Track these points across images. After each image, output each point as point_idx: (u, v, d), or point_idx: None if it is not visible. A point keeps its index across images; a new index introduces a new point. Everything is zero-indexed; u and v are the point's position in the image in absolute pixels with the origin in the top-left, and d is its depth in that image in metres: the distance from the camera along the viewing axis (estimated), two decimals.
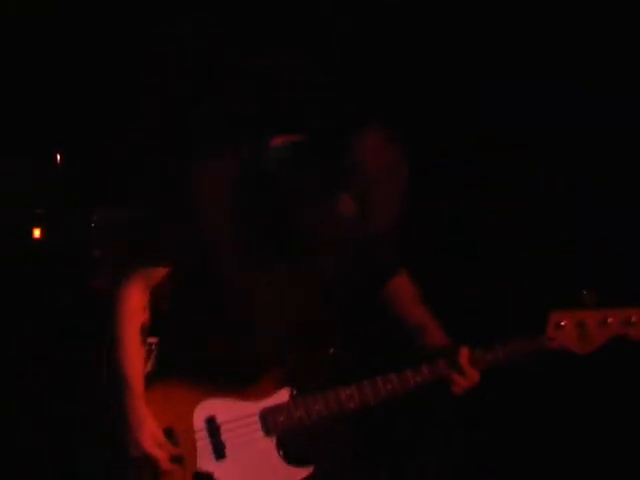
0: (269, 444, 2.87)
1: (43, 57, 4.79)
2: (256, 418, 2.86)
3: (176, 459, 2.80)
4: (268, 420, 2.86)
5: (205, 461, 2.84)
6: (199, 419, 2.85)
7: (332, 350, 2.93)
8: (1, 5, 4.70)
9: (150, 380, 2.86)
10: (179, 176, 2.86)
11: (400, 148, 2.67)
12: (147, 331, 2.87)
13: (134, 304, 2.85)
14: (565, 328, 2.92)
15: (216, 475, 2.83)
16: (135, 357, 2.84)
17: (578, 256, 4.29)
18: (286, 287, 2.87)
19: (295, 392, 2.88)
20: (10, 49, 4.79)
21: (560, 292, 2.99)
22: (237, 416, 2.85)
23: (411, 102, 4.49)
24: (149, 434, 2.77)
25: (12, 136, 4.72)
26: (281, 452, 2.87)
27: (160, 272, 2.87)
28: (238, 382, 2.86)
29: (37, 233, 4.71)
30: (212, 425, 2.84)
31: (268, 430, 2.86)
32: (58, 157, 4.74)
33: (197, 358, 2.89)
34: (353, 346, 3.09)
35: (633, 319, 2.93)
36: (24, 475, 4.43)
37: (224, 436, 2.85)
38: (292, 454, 2.88)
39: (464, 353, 2.87)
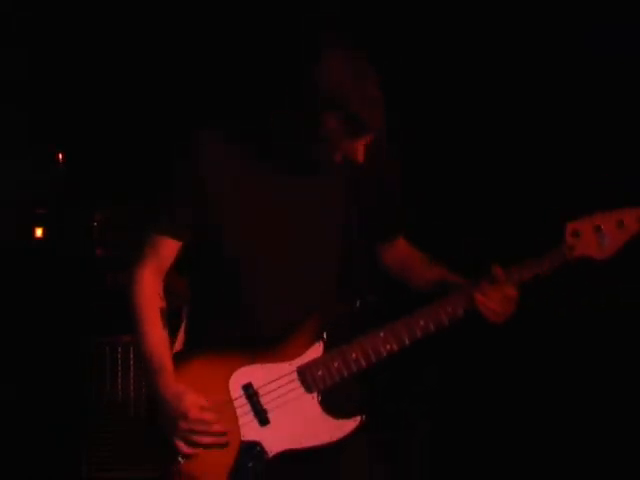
0: (311, 401, 2.81)
1: (44, 57, 4.78)
2: (294, 376, 2.81)
3: (220, 433, 2.74)
4: (307, 376, 2.81)
5: (249, 430, 2.79)
6: (235, 388, 2.79)
7: (358, 302, 2.88)
8: (3, 4, 4.69)
9: (180, 359, 2.82)
10: (180, 148, 2.86)
11: (365, 60, 2.71)
12: (167, 316, 2.85)
13: (149, 289, 2.84)
14: (583, 235, 2.93)
15: (262, 441, 2.78)
16: (160, 337, 2.80)
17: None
18: (303, 244, 2.85)
19: (328, 345, 2.83)
20: (11, 49, 4.77)
21: (572, 206, 3.00)
22: (274, 378, 2.80)
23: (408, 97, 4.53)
24: (192, 402, 2.71)
25: (14, 136, 4.70)
26: (324, 408, 2.81)
27: (171, 246, 2.85)
28: (269, 346, 2.82)
29: (39, 233, 4.70)
30: (250, 392, 2.79)
31: (308, 386, 2.81)
32: (60, 157, 4.72)
33: (224, 331, 2.85)
34: (384, 294, 3.06)
35: None
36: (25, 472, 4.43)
37: (264, 400, 2.79)
38: (335, 409, 2.82)
39: (496, 269, 2.85)
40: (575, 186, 4.40)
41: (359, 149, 2.73)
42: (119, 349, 4.46)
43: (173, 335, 2.89)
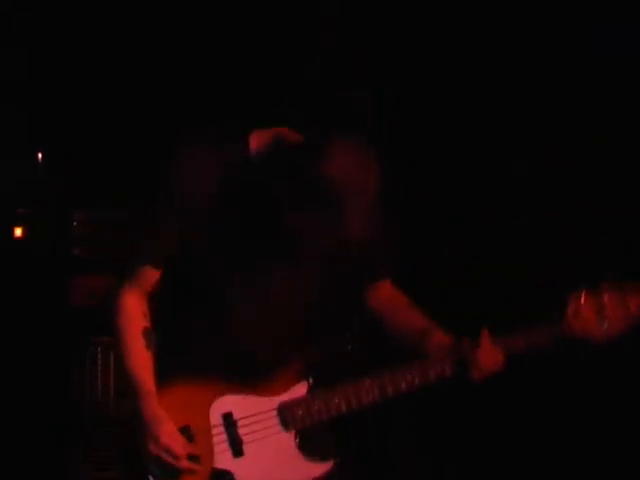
0: (287, 439, 2.82)
1: (24, 56, 4.77)
2: (274, 413, 2.81)
3: (193, 458, 2.75)
4: (286, 414, 2.81)
5: (222, 458, 2.78)
6: (215, 416, 2.79)
7: (350, 346, 2.88)
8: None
9: (164, 380, 2.81)
10: (163, 173, 2.83)
11: (367, 157, 2.67)
12: (151, 336, 2.85)
13: (132, 310, 2.84)
14: (584, 311, 2.81)
15: (234, 472, 2.79)
16: (142, 360, 2.80)
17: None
18: (290, 283, 2.83)
19: (313, 386, 2.84)
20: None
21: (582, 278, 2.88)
22: (254, 411, 2.80)
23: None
24: (167, 430, 2.72)
25: None
26: (300, 447, 2.82)
27: (153, 275, 2.85)
28: (254, 378, 2.82)
29: (19, 232, 4.68)
30: (229, 421, 2.79)
31: (286, 424, 2.81)
32: (39, 156, 4.70)
33: (210, 358, 2.84)
34: (372, 341, 3.04)
35: None
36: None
37: (241, 432, 2.80)
38: (310, 449, 2.83)
39: (485, 333, 2.82)
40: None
41: None
42: (99, 349, 4.43)
43: None
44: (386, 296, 3.05)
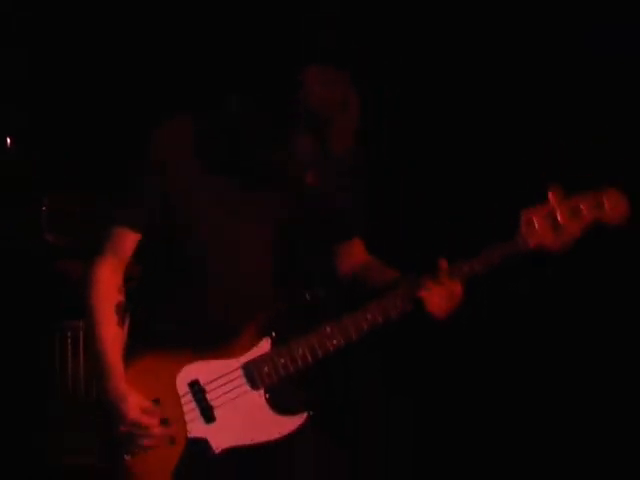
0: (257, 398, 2.84)
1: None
2: (240, 372, 2.82)
3: (164, 421, 2.75)
4: (252, 372, 2.82)
5: (195, 427, 2.79)
6: (182, 385, 2.81)
7: (308, 296, 2.88)
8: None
9: (132, 355, 2.82)
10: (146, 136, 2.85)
11: (345, 80, 2.70)
12: (123, 311, 2.85)
13: (107, 284, 2.84)
14: (537, 224, 2.86)
15: (209, 438, 2.80)
16: (112, 337, 2.81)
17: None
18: (249, 240, 2.85)
19: (276, 340, 2.84)
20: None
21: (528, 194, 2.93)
22: (220, 374, 2.82)
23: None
24: (133, 404, 2.72)
25: None
26: (270, 404, 2.82)
27: (130, 238, 2.84)
28: (216, 342, 2.82)
29: None
30: (196, 388, 2.81)
31: (254, 382, 2.82)
32: (8, 141, 4.67)
33: (171, 327, 2.84)
34: (331, 289, 3.05)
35: (604, 201, 2.88)
36: None
37: (210, 397, 2.81)
38: (281, 405, 2.84)
39: (442, 262, 2.83)
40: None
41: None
42: (69, 334, 4.41)
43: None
44: (358, 256, 3.07)
